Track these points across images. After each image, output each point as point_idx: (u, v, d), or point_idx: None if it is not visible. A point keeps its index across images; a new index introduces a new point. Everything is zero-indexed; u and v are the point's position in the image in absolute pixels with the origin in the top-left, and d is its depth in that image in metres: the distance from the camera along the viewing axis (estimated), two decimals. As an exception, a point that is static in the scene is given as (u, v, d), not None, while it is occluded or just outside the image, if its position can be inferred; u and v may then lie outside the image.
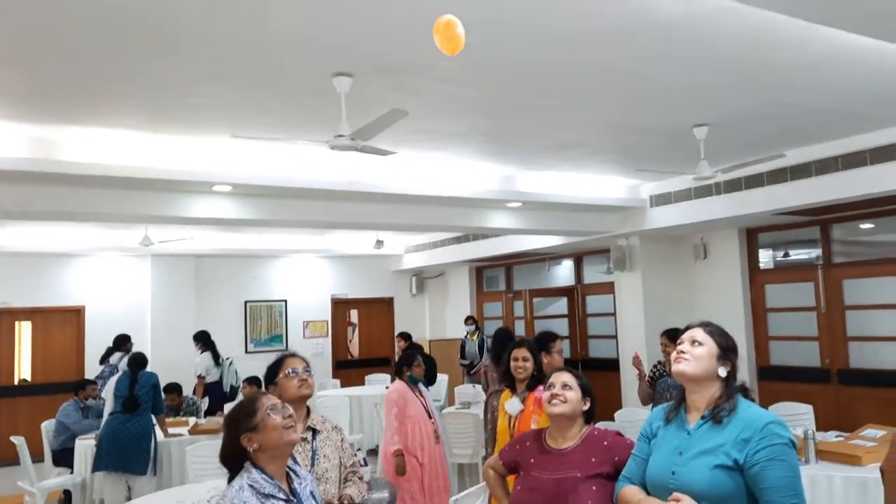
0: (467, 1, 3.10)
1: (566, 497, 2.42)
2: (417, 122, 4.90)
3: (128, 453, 5.70)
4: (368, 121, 4.05)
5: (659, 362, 5.55)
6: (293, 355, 2.91)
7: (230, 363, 8.84)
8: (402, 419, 4.97)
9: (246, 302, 11.50)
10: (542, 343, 4.30)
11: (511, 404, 3.69)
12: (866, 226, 7.51)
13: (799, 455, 4.29)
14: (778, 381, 7.84)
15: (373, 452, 8.37)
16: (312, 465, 2.69)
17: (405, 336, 9.09)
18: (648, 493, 2.25)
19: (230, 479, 2.17)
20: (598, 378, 9.42)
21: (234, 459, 2.17)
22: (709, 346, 2.23)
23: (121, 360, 8.17)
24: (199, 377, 8.53)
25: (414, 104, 4.44)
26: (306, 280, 12.02)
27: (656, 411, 2.41)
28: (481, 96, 4.56)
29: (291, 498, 2.13)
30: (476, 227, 8.16)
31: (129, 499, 5.72)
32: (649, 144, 5.95)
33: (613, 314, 9.38)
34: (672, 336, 5.16)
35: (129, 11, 3.14)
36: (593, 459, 2.48)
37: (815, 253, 7.79)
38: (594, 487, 2.43)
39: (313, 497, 2.23)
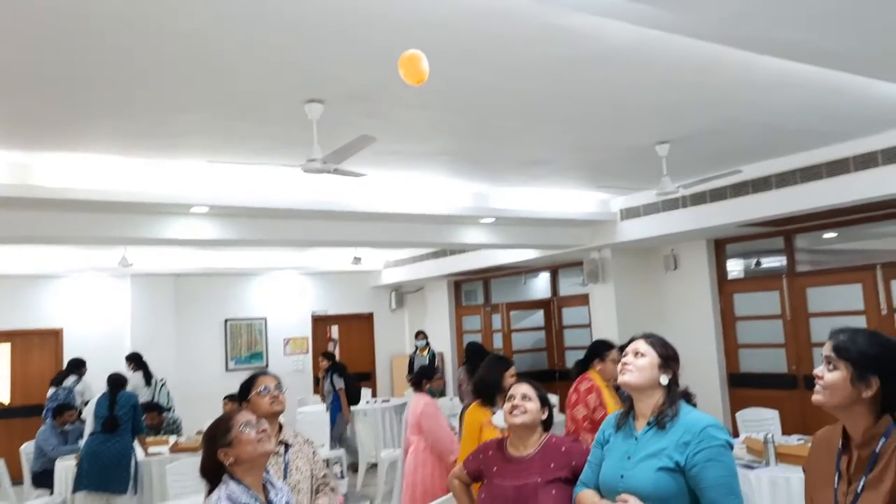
0: (432, 33, 3.27)
1: (527, 502, 2.56)
2: (388, 144, 5.05)
3: (108, 473, 5.77)
4: (340, 144, 4.20)
5: None
6: (265, 373, 3.04)
7: (162, 384, 8.88)
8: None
9: (226, 320, 11.55)
10: (598, 351, 4.46)
11: (500, 418, 3.74)
12: (829, 235, 7.77)
13: (759, 458, 4.51)
14: (747, 387, 8.05)
15: (353, 468, 8.46)
16: (285, 477, 2.82)
17: (328, 356, 9.12)
18: (603, 497, 2.40)
19: (209, 492, 2.29)
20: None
21: (212, 473, 2.30)
22: (650, 357, 2.39)
23: (76, 384, 8.25)
24: None
25: (383, 128, 4.60)
26: (286, 297, 12.09)
27: (608, 419, 2.56)
28: (448, 120, 4.74)
29: None
30: (450, 243, 8.32)
31: (109, 518, 5.78)
32: (614, 161, 6.15)
33: (589, 325, 9.56)
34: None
35: (107, 44, 3.28)
36: (552, 465, 2.62)
37: (781, 262, 8.04)
38: (553, 491, 2.57)
39: None
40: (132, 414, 6.19)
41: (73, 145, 4.92)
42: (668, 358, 2.40)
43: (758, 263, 8.65)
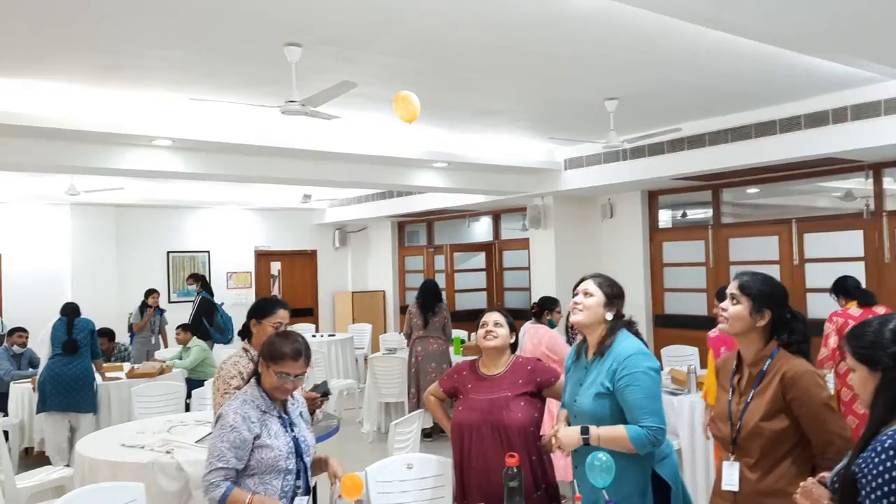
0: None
1: (500, 412, 2.97)
2: (357, 88, 5.24)
3: (74, 393, 5.94)
4: (316, 86, 4.41)
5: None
6: (286, 309, 3.21)
7: None
8: None
9: (168, 252, 11.57)
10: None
11: None
12: (752, 190, 8.43)
13: (682, 387, 5.10)
14: (671, 327, 8.77)
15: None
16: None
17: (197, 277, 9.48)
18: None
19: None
20: (512, 327, 10.14)
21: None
22: (598, 297, 2.70)
23: None
24: None
25: (355, 72, 4.82)
26: (229, 232, 12.16)
27: (571, 350, 2.94)
28: (412, 68, 4.99)
29: (284, 415, 2.58)
30: (404, 185, 8.59)
31: (71, 438, 5.97)
32: (564, 114, 6.53)
33: (528, 268, 10.08)
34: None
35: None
36: (520, 381, 3.03)
37: (708, 214, 8.69)
38: (522, 403, 2.99)
39: (301, 417, 2.69)
40: (90, 339, 6.33)
41: (39, 73, 4.92)
42: (614, 297, 2.72)
43: (684, 215, 9.30)
